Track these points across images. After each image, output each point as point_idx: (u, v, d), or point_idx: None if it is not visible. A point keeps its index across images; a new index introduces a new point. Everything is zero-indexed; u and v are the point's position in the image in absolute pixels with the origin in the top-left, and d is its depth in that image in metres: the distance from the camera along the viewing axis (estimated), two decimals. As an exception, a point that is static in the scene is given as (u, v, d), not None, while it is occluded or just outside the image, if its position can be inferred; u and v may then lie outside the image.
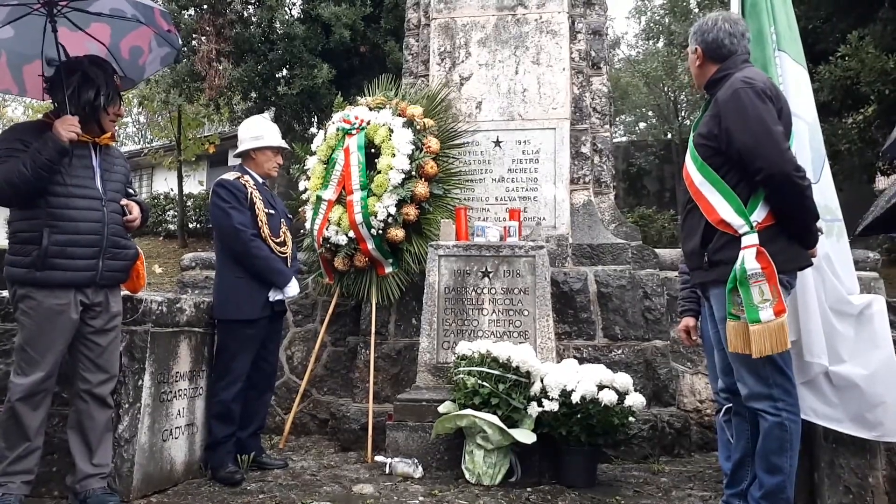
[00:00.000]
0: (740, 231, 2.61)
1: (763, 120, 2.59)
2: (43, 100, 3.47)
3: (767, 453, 2.61)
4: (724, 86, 2.76)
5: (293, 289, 3.92)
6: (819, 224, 2.80)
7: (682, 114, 16.25)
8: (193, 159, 14.56)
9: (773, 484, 2.59)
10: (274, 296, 3.85)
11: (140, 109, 15.30)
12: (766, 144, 2.56)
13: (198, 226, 14.12)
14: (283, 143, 4.15)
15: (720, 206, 2.67)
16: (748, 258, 2.55)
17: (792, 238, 2.68)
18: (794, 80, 3.31)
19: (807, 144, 3.14)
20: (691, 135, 2.90)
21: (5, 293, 3.22)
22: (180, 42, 3.64)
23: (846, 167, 8.95)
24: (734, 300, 2.60)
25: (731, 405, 2.96)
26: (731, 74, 2.78)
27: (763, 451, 2.63)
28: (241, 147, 4.07)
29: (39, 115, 3.34)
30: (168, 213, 14.78)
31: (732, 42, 2.84)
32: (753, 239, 2.58)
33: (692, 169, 2.80)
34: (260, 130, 4.08)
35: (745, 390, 2.68)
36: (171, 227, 14.38)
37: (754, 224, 2.60)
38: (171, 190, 15.05)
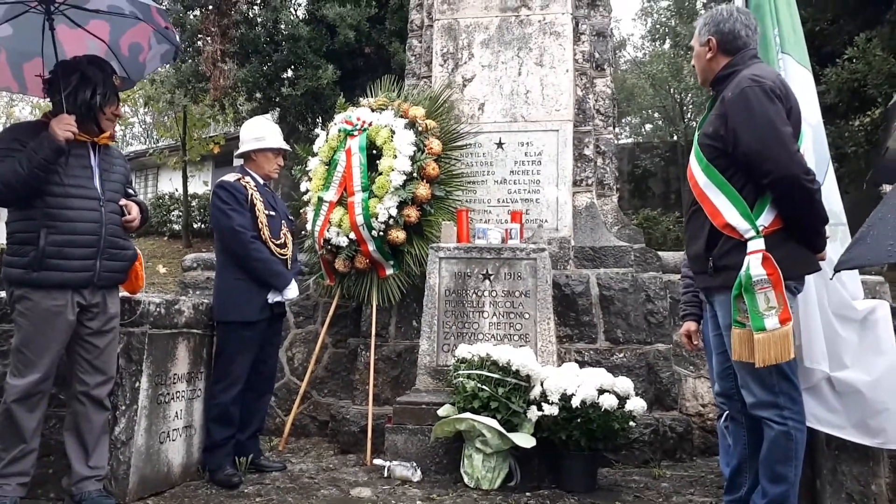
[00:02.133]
0: (746, 236, 2.54)
1: (771, 121, 2.51)
2: (44, 98, 3.47)
3: (772, 462, 2.56)
4: (731, 83, 2.67)
5: (292, 291, 3.90)
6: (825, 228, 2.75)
7: (688, 115, 16.17)
8: (198, 159, 14.58)
9: (778, 493, 2.55)
10: (273, 298, 3.84)
11: (146, 109, 15.31)
12: (773, 146, 2.48)
13: (202, 226, 14.14)
14: (285, 145, 4.13)
15: (725, 209, 2.59)
16: (754, 264, 2.48)
17: (800, 242, 2.60)
18: (798, 83, 3.27)
19: (811, 147, 3.11)
20: (696, 134, 2.82)
21: (3, 294, 3.22)
22: (181, 39, 3.63)
23: (852, 170, 8.88)
24: (739, 307, 2.53)
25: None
26: (738, 71, 2.69)
27: (767, 460, 2.57)
28: (243, 148, 4.07)
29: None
30: (173, 213, 14.80)
31: (747, 34, 2.76)
32: (759, 244, 2.51)
33: (697, 170, 2.72)
34: (261, 131, 4.06)
35: (751, 398, 2.62)
36: (176, 227, 14.41)
37: (760, 229, 2.53)
38: (176, 190, 15.08)
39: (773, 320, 2.46)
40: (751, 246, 2.52)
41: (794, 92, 3.16)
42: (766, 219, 2.56)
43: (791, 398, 2.58)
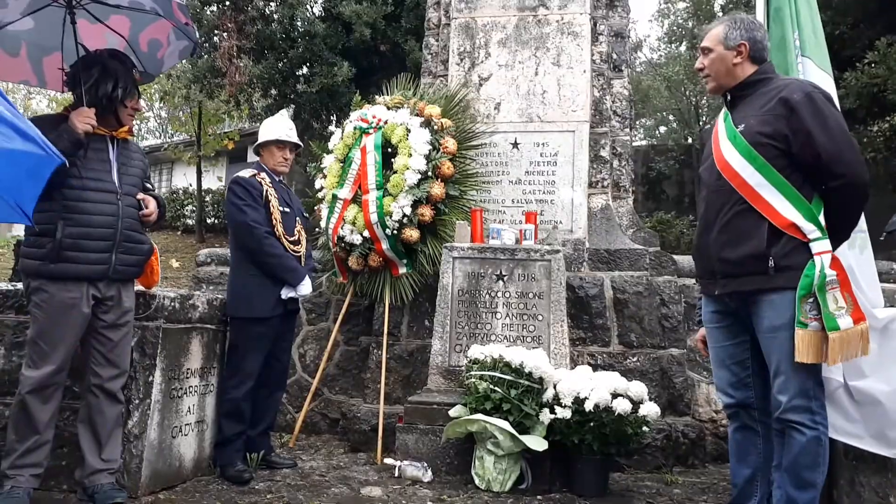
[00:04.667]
0: (811, 236, 2.54)
1: (843, 127, 2.58)
2: (62, 91, 3.49)
3: (800, 468, 2.54)
4: (775, 87, 2.67)
5: (306, 287, 3.90)
6: None
7: (703, 118, 16.08)
8: (213, 155, 14.66)
9: (806, 500, 2.54)
10: (286, 294, 3.84)
11: (161, 104, 15.40)
12: (849, 152, 2.55)
13: (216, 221, 14.20)
14: (284, 136, 4.04)
15: (786, 209, 2.57)
16: (827, 264, 2.49)
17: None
18: (819, 87, 3.24)
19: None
20: (736, 133, 2.71)
21: (20, 285, 3.24)
22: (198, 35, 3.64)
23: (871, 176, 8.79)
24: (804, 308, 2.50)
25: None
26: (771, 78, 2.72)
27: (795, 467, 2.55)
28: (256, 145, 4.11)
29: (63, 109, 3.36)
30: (186, 207, 14.87)
31: (767, 47, 2.83)
32: (826, 245, 2.54)
33: (746, 169, 2.64)
34: (265, 128, 4.11)
35: (786, 402, 2.57)
36: (190, 221, 14.47)
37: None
38: (190, 185, 15.16)
39: (846, 320, 2.48)
40: (818, 246, 2.53)
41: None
42: (821, 220, 2.59)
43: (822, 404, 2.59)
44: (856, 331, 2.49)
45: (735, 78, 2.79)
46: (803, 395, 2.55)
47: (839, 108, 3.30)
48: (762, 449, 2.79)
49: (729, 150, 2.73)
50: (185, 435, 3.53)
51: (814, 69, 3.29)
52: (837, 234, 2.64)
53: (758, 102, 2.70)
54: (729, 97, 2.86)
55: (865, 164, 2.61)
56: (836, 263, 2.51)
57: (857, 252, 3.09)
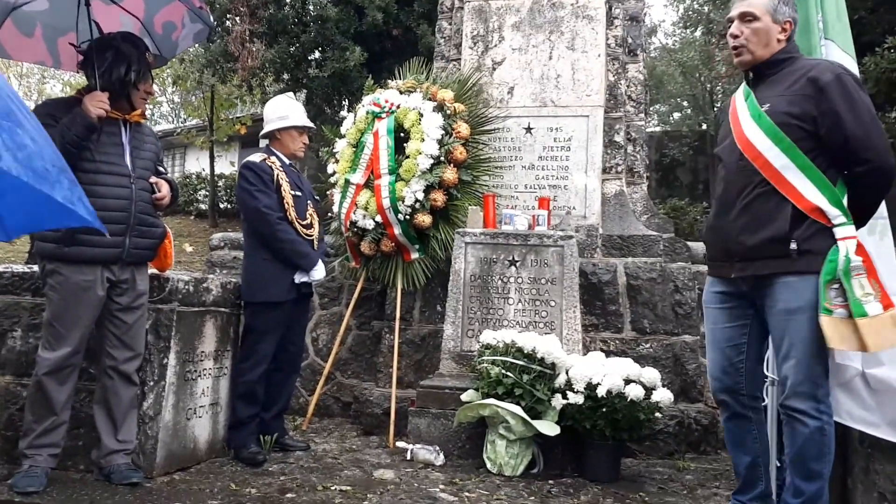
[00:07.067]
0: (835, 221, 2.49)
1: (871, 111, 2.53)
2: (77, 72, 3.49)
3: (806, 459, 2.51)
4: (798, 67, 2.62)
5: (319, 272, 3.90)
6: None
7: (718, 104, 15.90)
8: (225, 139, 14.69)
9: (814, 490, 2.51)
10: (300, 278, 3.84)
11: (174, 89, 15.42)
12: (876, 136, 2.50)
13: (228, 206, 14.27)
14: (309, 123, 4.10)
15: (811, 193, 2.51)
16: (852, 250, 2.44)
17: None
18: (841, 70, 3.19)
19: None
20: (760, 112, 2.63)
21: (36, 268, 3.26)
22: (212, 20, 3.63)
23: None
24: (829, 294, 2.44)
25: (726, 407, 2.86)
26: (795, 58, 2.68)
27: (801, 457, 2.53)
28: (267, 128, 4.05)
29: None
30: (199, 192, 14.94)
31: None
32: (851, 230, 2.48)
33: (771, 150, 2.57)
34: (285, 110, 4.05)
35: (790, 388, 2.54)
36: (203, 206, 14.55)
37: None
38: (203, 169, 15.22)
39: (874, 306, 2.42)
40: (842, 231, 2.48)
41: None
42: (846, 205, 2.54)
43: (827, 392, 2.56)
44: (889, 316, 2.42)
45: (770, 53, 2.69)
46: (810, 381, 2.52)
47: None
48: (758, 435, 2.77)
49: (753, 130, 2.64)
50: (200, 417, 3.56)
51: (837, 52, 3.22)
52: (858, 220, 2.58)
53: (784, 82, 2.63)
54: (752, 75, 2.76)
55: (890, 149, 2.53)
56: (861, 250, 2.45)
57: (878, 238, 3.04)
